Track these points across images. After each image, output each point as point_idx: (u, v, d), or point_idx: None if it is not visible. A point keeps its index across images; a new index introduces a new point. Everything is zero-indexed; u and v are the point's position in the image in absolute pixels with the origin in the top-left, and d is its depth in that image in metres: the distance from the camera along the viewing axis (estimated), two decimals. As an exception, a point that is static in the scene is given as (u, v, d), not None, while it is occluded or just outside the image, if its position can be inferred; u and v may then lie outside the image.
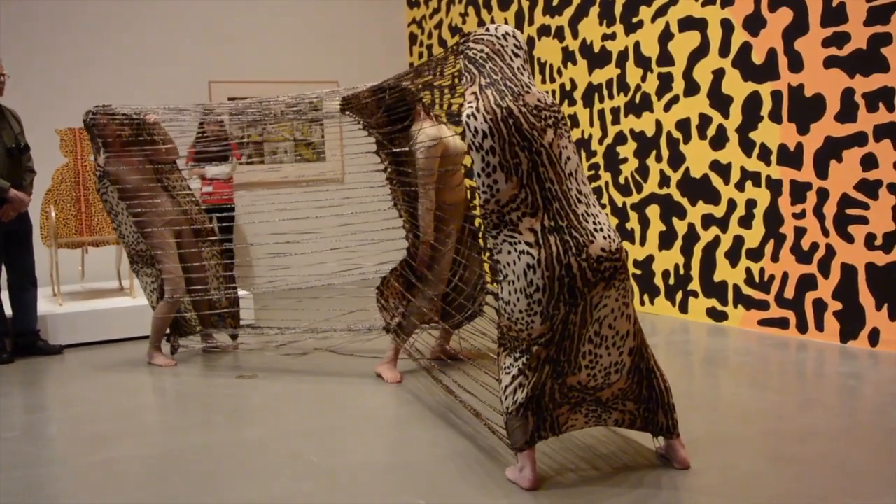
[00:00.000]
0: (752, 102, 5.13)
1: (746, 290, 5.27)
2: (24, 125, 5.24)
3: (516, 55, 2.89)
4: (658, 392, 2.94)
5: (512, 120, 2.76)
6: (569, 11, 6.52)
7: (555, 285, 2.70)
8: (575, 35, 6.47)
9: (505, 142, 2.75)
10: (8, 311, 5.25)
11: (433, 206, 4.03)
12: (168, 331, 5.06)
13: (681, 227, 5.72)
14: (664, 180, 5.81)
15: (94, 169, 4.82)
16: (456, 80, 3.60)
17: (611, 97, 6.20)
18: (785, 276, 5.02)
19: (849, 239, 4.65)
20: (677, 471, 2.93)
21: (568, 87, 6.60)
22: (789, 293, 4.99)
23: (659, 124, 5.80)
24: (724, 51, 5.28)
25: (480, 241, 4.47)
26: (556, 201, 2.77)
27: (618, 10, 6.05)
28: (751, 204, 5.20)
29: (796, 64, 4.85)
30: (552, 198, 2.77)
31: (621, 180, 6.18)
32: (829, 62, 4.67)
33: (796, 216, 4.93)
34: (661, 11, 5.70)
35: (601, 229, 2.78)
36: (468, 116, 2.77)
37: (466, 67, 2.90)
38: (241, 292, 5.60)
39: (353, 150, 6.58)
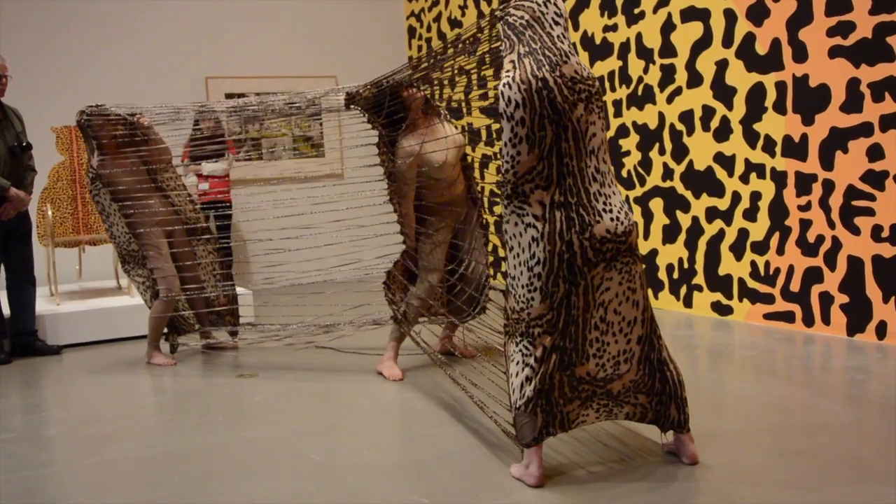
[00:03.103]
0: (756, 93, 5.08)
1: (752, 284, 5.22)
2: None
3: (557, 23, 2.81)
4: (671, 385, 2.89)
5: (546, 91, 2.69)
6: (569, 2, 6.46)
7: (554, 260, 2.69)
8: (576, 27, 6.41)
9: (536, 114, 2.69)
10: (6, 310, 5.21)
11: (409, 217, 4.23)
12: (166, 330, 5.02)
13: (685, 220, 5.67)
14: (667, 173, 5.76)
15: (87, 170, 4.77)
16: (455, 73, 3.55)
17: (613, 89, 6.14)
18: (791, 270, 4.97)
19: (855, 231, 4.60)
20: (685, 465, 2.90)
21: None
22: (795, 286, 4.94)
23: (662, 116, 5.75)
24: (727, 41, 5.23)
25: (491, 236, 4.45)
26: (571, 177, 2.73)
27: (619, 0, 5.99)
28: (755, 196, 5.15)
29: (801, 54, 4.80)
30: (567, 173, 2.73)
31: (624, 173, 6.13)
32: (834, 52, 4.62)
33: (802, 208, 4.88)
34: (663, 2, 5.64)
35: (610, 210, 2.74)
36: (504, 85, 2.72)
37: (506, 34, 2.83)
38: (239, 290, 5.55)
39: (353, 145, 6.51)
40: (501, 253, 7.03)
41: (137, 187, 4.81)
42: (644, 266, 5.91)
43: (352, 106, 4.37)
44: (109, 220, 4.82)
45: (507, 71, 2.75)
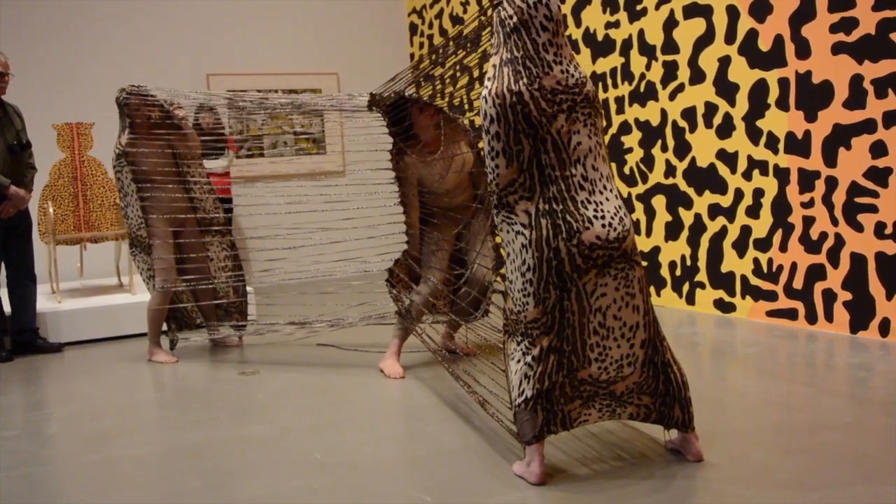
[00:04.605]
0: (759, 90, 5.06)
1: (754, 281, 5.20)
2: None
3: (544, 28, 2.76)
4: (675, 386, 2.88)
5: (521, 107, 2.69)
6: None
7: (543, 267, 2.69)
8: (578, 23, 6.40)
9: (510, 128, 2.70)
10: (7, 308, 5.20)
11: (413, 223, 4.35)
12: (166, 327, 5.02)
13: (687, 217, 5.65)
14: (670, 170, 5.74)
15: (115, 146, 4.81)
16: (457, 70, 3.55)
17: (615, 86, 6.12)
18: (793, 267, 4.95)
19: (858, 228, 4.58)
20: (688, 463, 2.89)
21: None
22: (798, 283, 4.93)
23: (664, 113, 5.73)
24: (729, 38, 5.21)
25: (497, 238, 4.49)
26: (555, 186, 2.73)
27: (621, -3, 5.98)
28: (758, 193, 5.13)
29: (803, 50, 4.78)
30: (550, 182, 2.73)
31: (626, 170, 6.11)
32: (837, 48, 4.60)
33: (804, 205, 4.86)
34: (666, -1, 5.63)
35: (602, 217, 2.72)
36: (482, 98, 2.75)
37: (496, 28, 2.82)
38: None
39: (354, 143, 6.51)
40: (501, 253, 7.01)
41: (159, 170, 4.84)
42: (645, 264, 5.93)
43: (374, 108, 4.44)
44: (126, 201, 4.84)
45: (488, 78, 2.75)
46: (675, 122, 5.66)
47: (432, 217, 4.39)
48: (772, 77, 4.98)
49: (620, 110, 6.10)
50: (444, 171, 4.23)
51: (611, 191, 2.80)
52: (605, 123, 6.24)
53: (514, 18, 2.76)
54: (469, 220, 4.44)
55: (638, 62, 5.90)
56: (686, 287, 5.72)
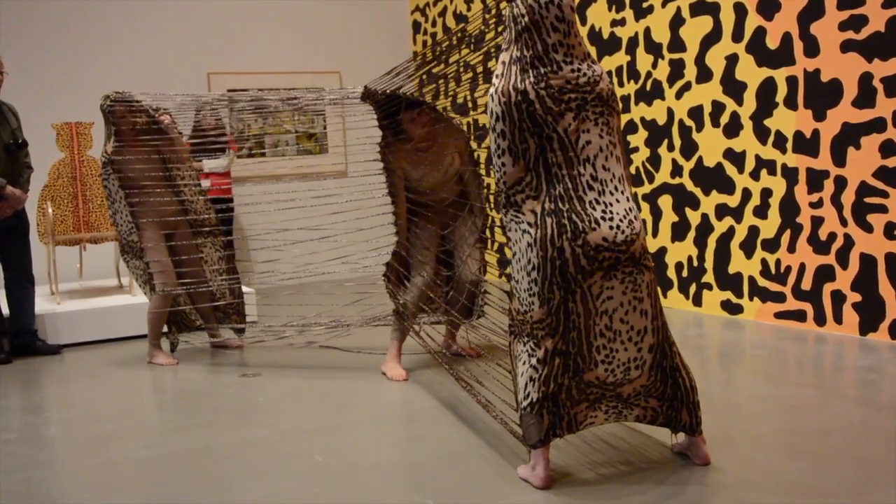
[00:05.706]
0: (767, 88, 5.00)
1: (762, 282, 5.15)
2: (21, 120, 5.14)
3: (555, 29, 2.71)
4: (683, 391, 2.84)
5: (525, 105, 2.66)
6: (576, -2, 6.41)
7: (547, 266, 2.65)
8: (583, 21, 6.35)
9: (515, 127, 2.67)
10: (5, 310, 5.16)
11: (401, 214, 4.37)
12: (166, 329, 4.98)
13: (694, 217, 5.60)
14: (676, 170, 5.69)
15: (101, 154, 4.78)
16: (460, 70, 3.51)
17: (621, 85, 6.07)
18: (802, 268, 4.89)
19: (868, 228, 4.52)
20: (696, 467, 2.84)
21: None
22: (806, 285, 4.87)
23: (671, 112, 5.68)
24: (737, 36, 5.16)
25: (494, 234, 4.47)
26: (561, 184, 2.68)
27: (626, -4, 5.93)
28: (766, 193, 5.07)
29: (812, 48, 4.73)
30: (557, 181, 2.69)
31: (632, 170, 6.06)
32: (846, 46, 4.54)
33: (813, 205, 4.81)
34: (672, -4, 5.58)
35: (610, 218, 2.67)
36: (489, 95, 2.73)
37: (509, 24, 2.79)
38: (244, 288, 5.50)
39: (357, 143, 6.50)
40: (507, 253, 6.99)
41: (147, 175, 4.80)
42: (654, 268, 5.86)
43: (366, 101, 4.41)
44: (114, 207, 4.81)
45: (496, 76, 2.74)
46: (681, 121, 5.61)
47: (422, 209, 4.39)
48: (780, 75, 4.92)
49: (626, 109, 6.05)
50: (428, 170, 4.23)
51: (622, 192, 2.73)
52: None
53: (526, 18, 2.72)
54: (458, 216, 4.41)
55: (644, 60, 5.85)
56: (693, 288, 5.67)
